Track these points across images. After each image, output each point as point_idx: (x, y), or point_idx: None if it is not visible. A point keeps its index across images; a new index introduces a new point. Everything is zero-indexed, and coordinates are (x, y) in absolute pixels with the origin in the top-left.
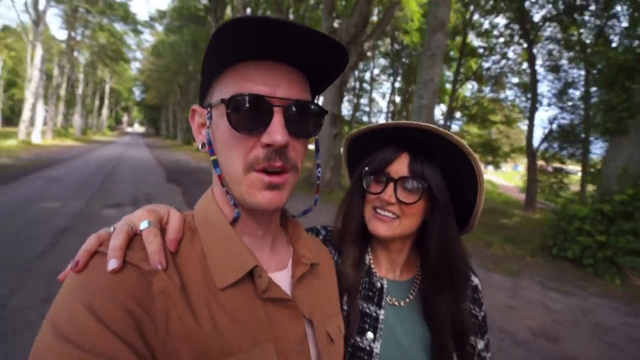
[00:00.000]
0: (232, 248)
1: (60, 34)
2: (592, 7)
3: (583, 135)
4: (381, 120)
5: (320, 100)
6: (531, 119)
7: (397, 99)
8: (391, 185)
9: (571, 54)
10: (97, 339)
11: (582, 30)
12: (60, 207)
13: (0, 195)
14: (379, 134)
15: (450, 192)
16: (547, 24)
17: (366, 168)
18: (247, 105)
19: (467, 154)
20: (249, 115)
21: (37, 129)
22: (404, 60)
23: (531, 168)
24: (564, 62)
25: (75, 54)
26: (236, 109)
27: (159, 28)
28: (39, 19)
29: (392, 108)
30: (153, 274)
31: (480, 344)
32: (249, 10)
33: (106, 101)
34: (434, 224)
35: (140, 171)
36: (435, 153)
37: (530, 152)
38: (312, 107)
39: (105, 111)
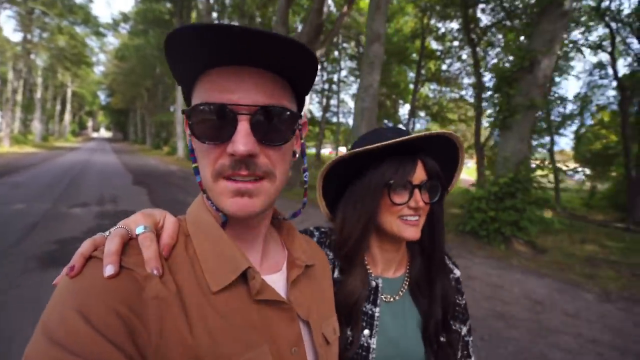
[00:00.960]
0: (225, 251)
1: (15, 36)
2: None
3: None
4: (350, 120)
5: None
6: (478, 118)
7: None
8: (416, 191)
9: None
10: (88, 343)
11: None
12: (27, 208)
13: None
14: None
15: None
16: (490, 30)
17: (391, 181)
18: (209, 115)
19: (458, 146)
20: (212, 125)
21: None
22: None
23: (479, 162)
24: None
25: (32, 56)
26: (197, 120)
27: (123, 30)
28: None
29: None
30: (147, 280)
31: (464, 330)
32: (214, 15)
33: (68, 106)
34: (439, 212)
35: (106, 175)
36: (429, 148)
37: (477, 148)
38: (283, 112)
39: (67, 116)
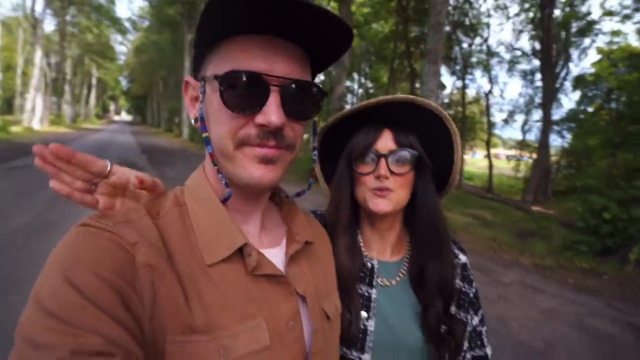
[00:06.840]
0: (222, 225)
1: (50, 28)
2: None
3: None
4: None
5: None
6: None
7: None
8: (382, 160)
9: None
10: (81, 313)
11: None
12: None
13: None
14: (347, 122)
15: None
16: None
17: (353, 152)
18: (243, 82)
19: (441, 116)
20: (244, 94)
21: (36, 117)
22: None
23: None
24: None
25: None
26: (230, 87)
27: (143, 23)
28: (36, 24)
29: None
30: (136, 246)
31: (475, 320)
32: None
33: (93, 91)
34: (424, 189)
35: (123, 149)
36: (409, 122)
37: None
38: (312, 88)
39: (92, 100)
